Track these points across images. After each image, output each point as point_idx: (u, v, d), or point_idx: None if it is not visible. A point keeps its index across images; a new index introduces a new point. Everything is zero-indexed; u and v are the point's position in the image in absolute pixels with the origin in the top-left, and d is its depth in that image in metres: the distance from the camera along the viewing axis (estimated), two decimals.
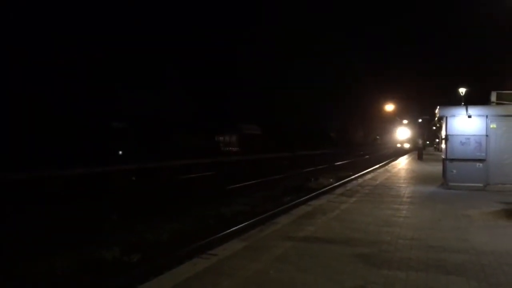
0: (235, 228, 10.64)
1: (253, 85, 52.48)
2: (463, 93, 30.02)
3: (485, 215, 9.79)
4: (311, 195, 16.04)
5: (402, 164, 31.96)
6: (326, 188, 18.44)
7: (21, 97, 26.10)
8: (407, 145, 75.30)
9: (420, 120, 55.46)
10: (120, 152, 29.28)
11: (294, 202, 14.31)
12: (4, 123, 24.34)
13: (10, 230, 11.05)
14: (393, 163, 33.07)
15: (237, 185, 20.03)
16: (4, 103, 24.84)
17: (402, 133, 77.71)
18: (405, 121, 72.89)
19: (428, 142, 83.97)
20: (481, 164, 14.41)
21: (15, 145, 23.66)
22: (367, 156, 53.04)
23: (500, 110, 14.75)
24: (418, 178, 19.43)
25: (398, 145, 78.54)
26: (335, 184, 19.77)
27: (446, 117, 14.96)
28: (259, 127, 56.02)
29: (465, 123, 14.58)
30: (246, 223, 11.19)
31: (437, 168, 22.26)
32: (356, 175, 24.40)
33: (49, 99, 27.84)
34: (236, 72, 50.25)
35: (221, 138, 48.84)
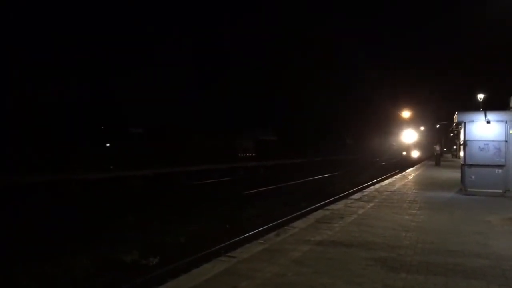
0: (253, 232, 10.69)
1: (268, 92, 52.45)
2: (482, 99, 29.71)
3: (505, 221, 9.68)
4: (328, 200, 16.02)
5: (420, 170, 31.69)
6: (344, 193, 18.39)
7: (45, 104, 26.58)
8: (415, 153, 57.40)
9: (438, 126, 54.96)
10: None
11: (311, 207, 14.31)
12: (27, 128, 24.80)
13: (28, 230, 11.26)
14: (409, 170, 32.79)
15: (254, 190, 20.07)
16: (28, 108, 25.33)
17: (409, 137, 59.08)
18: (422, 128, 71.84)
19: (445, 149, 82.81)
20: (500, 170, 14.24)
21: (37, 148, 24.08)
22: (383, 163, 52.65)
23: None
24: (436, 184, 19.25)
25: (404, 153, 59.53)
26: (352, 190, 19.68)
27: (465, 123, 14.83)
28: (275, 133, 56.02)
29: (484, 129, 14.43)
30: (263, 227, 11.23)
31: (455, 174, 22.03)
32: (373, 181, 24.28)
33: (69, 105, 28.26)
34: (251, 80, 50.25)
35: (238, 144, 48.99)
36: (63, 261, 8.64)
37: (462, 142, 15.37)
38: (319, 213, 10.75)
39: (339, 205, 12.29)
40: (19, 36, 27.59)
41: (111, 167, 26.23)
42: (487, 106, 22.41)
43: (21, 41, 27.77)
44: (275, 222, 11.80)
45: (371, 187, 18.33)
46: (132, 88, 33.83)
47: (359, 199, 13.51)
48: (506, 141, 14.18)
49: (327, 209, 11.40)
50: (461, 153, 15.85)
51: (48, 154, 24.39)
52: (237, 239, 9.98)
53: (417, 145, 59.70)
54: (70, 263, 8.46)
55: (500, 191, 14.13)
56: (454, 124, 17.27)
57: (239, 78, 48.12)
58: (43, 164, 22.61)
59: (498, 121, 14.36)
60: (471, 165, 14.60)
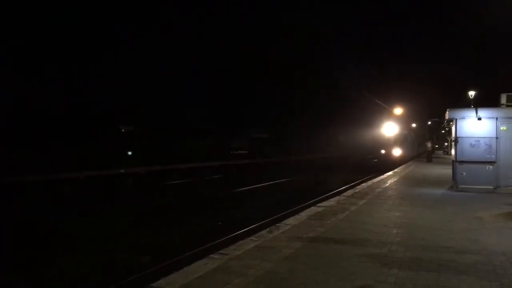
0: (245, 229, 10.68)
1: (261, 90, 52.25)
2: (473, 96, 29.87)
3: (495, 217, 9.74)
4: (320, 197, 16.04)
5: (412, 167, 31.85)
6: (336, 190, 18.42)
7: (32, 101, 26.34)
8: (397, 152, 40.82)
9: (429, 123, 55.11)
10: (130, 153, 29.17)
11: (303, 204, 14.31)
12: (13, 126, 24.58)
13: (21, 231, 11.18)
14: (402, 167, 32.91)
15: (246, 188, 20.07)
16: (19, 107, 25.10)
17: (389, 130, 42.32)
18: (413, 125, 71.79)
19: (437, 146, 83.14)
20: (491, 166, 14.34)
21: (26, 148, 23.83)
22: (375, 160, 52.77)
23: (510, 112, 14.66)
24: (427, 181, 19.34)
25: (382, 152, 42.46)
26: (344, 187, 19.73)
27: (456, 119, 14.92)
28: (267, 131, 55.94)
29: (475, 126, 14.52)
30: (256, 224, 11.23)
31: (447, 171, 22.15)
32: (366, 177, 24.34)
33: (58, 101, 28.00)
34: (245, 78, 50.04)
35: (230, 142, 48.89)
36: (57, 261, 8.62)
37: (453, 139, 15.45)
38: (311, 210, 10.75)
39: (332, 202, 12.30)
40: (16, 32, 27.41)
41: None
42: (478, 103, 22.51)
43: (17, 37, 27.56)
44: (267, 219, 11.80)
45: (363, 184, 18.37)
46: (123, 85, 33.65)
47: (351, 196, 13.54)
48: (497, 138, 14.28)
49: (320, 206, 11.41)
50: (453, 150, 15.93)
51: (41, 154, 24.21)
52: (229, 236, 9.97)
53: (399, 141, 41.75)
54: (64, 264, 8.44)
55: (491, 187, 14.23)
56: (446, 121, 17.36)
57: (232, 75, 48.01)
58: (31, 164, 22.42)
59: (489, 118, 14.45)
60: (462, 162, 14.68)
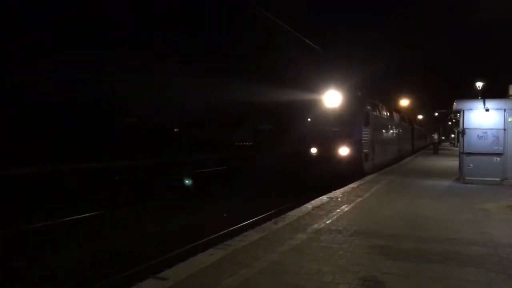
0: (251, 220, 10.68)
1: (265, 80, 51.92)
2: (480, 87, 29.60)
3: (502, 209, 9.68)
4: (325, 188, 15.97)
5: (418, 158, 31.73)
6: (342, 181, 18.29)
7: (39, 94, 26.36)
8: (344, 151, 18.09)
9: (436, 114, 54.77)
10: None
11: (309, 195, 14.26)
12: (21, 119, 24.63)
13: (23, 222, 11.21)
14: (408, 158, 32.79)
15: (250, 179, 20.01)
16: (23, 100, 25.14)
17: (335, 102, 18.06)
18: (420, 116, 71.25)
19: (443, 137, 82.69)
20: (498, 158, 14.24)
21: (31, 140, 23.89)
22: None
23: None
24: (434, 173, 19.27)
25: (313, 150, 19.05)
26: (351, 177, 19.60)
27: (463, 111, 14.80)
28: (272, 123, 55.67)
29: (483, 117, 14.41)
30: (261, 216, 11.22)
31: (453, 162, 22.04)
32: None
33: (62, 93, 27.95)
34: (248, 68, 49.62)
35: (234, 134, 48.80)
36: (61, 252, 8.66)
37: (460, 130, 15.35)
38: (317, 201, 10.74)
39: (337, 193, 12.29)
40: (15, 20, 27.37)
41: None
42: (486, 94, 22.31)
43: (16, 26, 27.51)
44: (273, 211, 11.79)
45: (369, 176, 18.31)
46: (126, 76, 33.51)
47: (357, 187, 13.52)
48: (504, 129, 14.16)
49: (325, 197, 11.40)
50: (460, 142, 15.82)
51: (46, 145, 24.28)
52: (234, 227, 9.97)
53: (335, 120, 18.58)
54: (68, 254, 8.48)
55: (498, 179, 14.14)
56: (453, 112, 17.24)
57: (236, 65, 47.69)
58: (38, 155, 22.47)
59: (497, 109, 14.33)
60: (469, 154, 14.59)
